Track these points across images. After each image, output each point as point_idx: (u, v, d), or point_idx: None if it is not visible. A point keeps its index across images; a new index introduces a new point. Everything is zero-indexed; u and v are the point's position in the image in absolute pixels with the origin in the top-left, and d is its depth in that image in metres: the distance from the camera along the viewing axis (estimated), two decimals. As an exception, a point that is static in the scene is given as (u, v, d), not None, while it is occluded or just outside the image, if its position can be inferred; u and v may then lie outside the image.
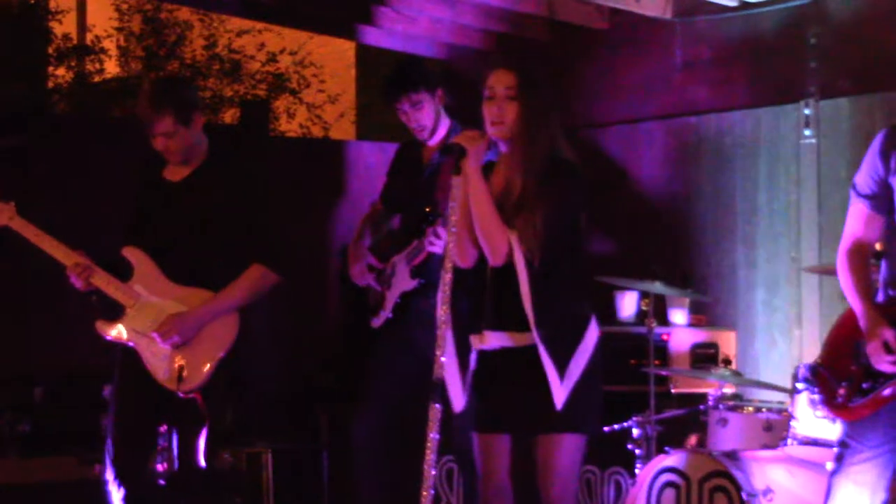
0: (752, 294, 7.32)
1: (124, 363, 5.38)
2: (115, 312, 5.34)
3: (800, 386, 5.79)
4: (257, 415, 5.74)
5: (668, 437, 6.37)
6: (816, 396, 5.44)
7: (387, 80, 6.18)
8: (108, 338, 5.35)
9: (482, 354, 4.67)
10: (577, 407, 4.55)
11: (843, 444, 4.39)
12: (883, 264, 4.46)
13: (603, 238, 7.70)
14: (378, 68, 12.80)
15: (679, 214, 7.66)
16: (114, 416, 5.38)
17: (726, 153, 7.48)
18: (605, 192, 7.29)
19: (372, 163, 8.73)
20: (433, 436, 4.23)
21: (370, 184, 8.14)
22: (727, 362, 6.37)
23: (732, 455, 5.73)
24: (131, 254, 5.36)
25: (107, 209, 5.94)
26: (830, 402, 4.45)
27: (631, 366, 6.81)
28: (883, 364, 4.25)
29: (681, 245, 7.58)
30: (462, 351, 4.65)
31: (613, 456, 6.59)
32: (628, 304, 7.29)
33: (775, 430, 5.98)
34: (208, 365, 5.24)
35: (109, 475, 5.32)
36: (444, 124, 6.11)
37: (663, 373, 6.70)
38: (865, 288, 4.41)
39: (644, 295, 6.77)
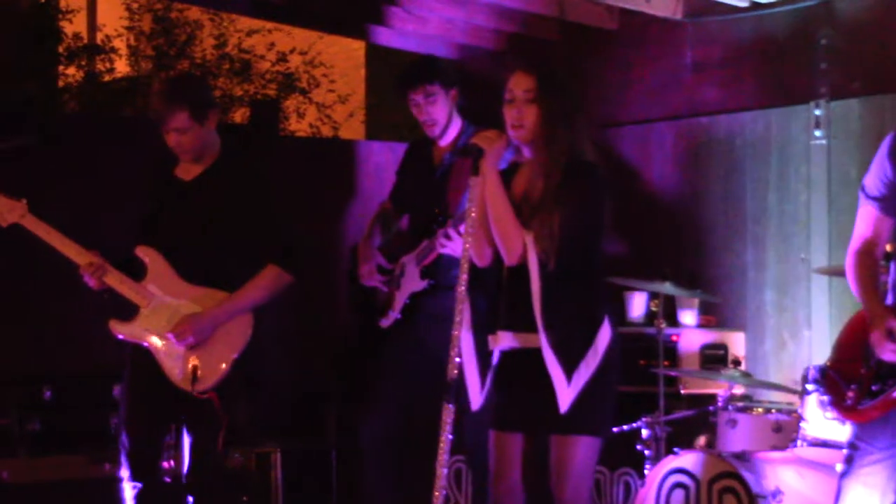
0: (762, 295, 7.31)
1: (135, 362, 5.38)
2: (128, 312, 5.35)
3: (809, 387, 5.79)
4: (267, 415, 5.73)
5: (678, 438, 6.37)
6: (825, 398, 5.43)
7: (403, 70, 6.19)
8: (121, 337, 5.35)
9: (500, 354, 4.69)
10: (591, 409, 4.57)
11: (852, 446, 4.39)
12: (892, 266, 4.46)
13: (613, 239, 7.69)
14: (388, 68, 12.81)
15: (689, 215, 7.65)
16: (126, 415, 5.39)
17: (736, 154, 7.47)
18: (614, 193, 7.27)
19: (382, 162, 8.74)
20: (446, 436, 4.23)
21: (380, 183, 8.15)
22: (737, 363, 6.36)
23: (742, 456, 5.72)
24: (145, 253, 5.36)
25: (117, 208, 5.95)
26: (840, 405, 4.44)
27: (640, 366, 6.81)
28: (887, 353, 4.25)
29: (690, 246, 7.57)
30: (482, 350, 4.66)
31: (623, 456, 6.58)
32: (638, 305, 7.29)
33: (785, 432, 5.97)
34: (223, 365, 5.24)
35: (124, 472, 5.33)
36: (456, 124, 6.12)
37: (673, 374, 6.70)
38: (873, 285, 4.41)
39: (653, 296, 6.77)
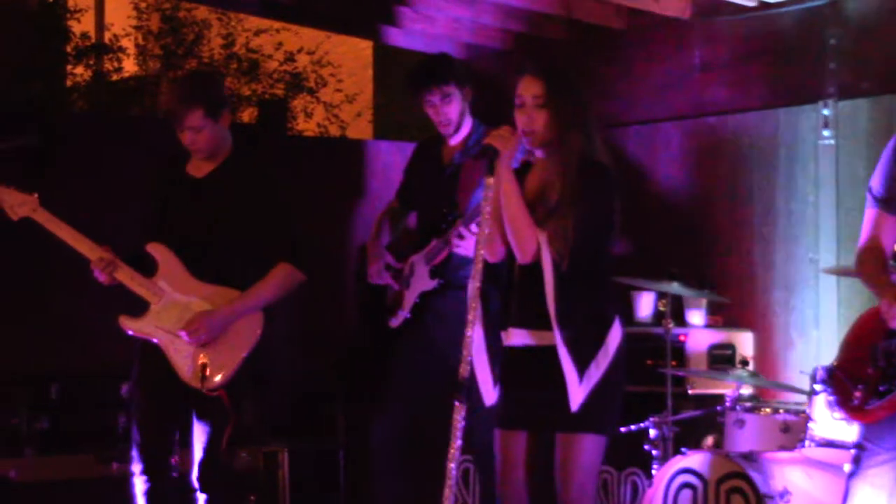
0: (770, 295, 7.31)
1: (145, 358, 5.38)
2: (138, 308, 5.35)
3: (817, 388, 5.78)
4: (274, 414, 5.75)
5: (685, 438, 6.36)
6: (832, 398, 5.42)
7: (418, 70, 6.17)
8: (131, 333, 5.35)
9: (508, 351, 4.70)
10: (597, 408, 4.58)
11: (859, 446, 4.38)
12: (901, 267, 4.45)
13: (621, 239, 7.67)
14: (395, 68, 12.81)
15: (697, 215, 7.64)
16: (137, 410, 5.39)
17: (744, 154, 7.47)
18: (622, 193, 7.27)
19: (389, 162, 8.74)
20: (457, 434, 4.24)
21: (387, 183, 8.15)
22: (744, 363, 6.35)
23: (750, 456, 5.71)
24: (156, 250, 5.37)
25: (124, 207, 5.95)
26: (847, 405, 4.43)
27: (648, 366, 6.80)
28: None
29: (698, 246, 7.56)
30: (492, 347, 4.67)
31: (630, 456, 6.59)
32: (645, 305, 7.29)
33: (793, 432, 5.97)
34: (233, 363, 5.25)
35: (136, 467, 5.33)
36: (468, 123, 6.11)
37: (680, 374, 6.69)
38: (883, 267, 4.39)
39: (661, 296, 6.76)
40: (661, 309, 6.67)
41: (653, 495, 5.91)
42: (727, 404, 6.21)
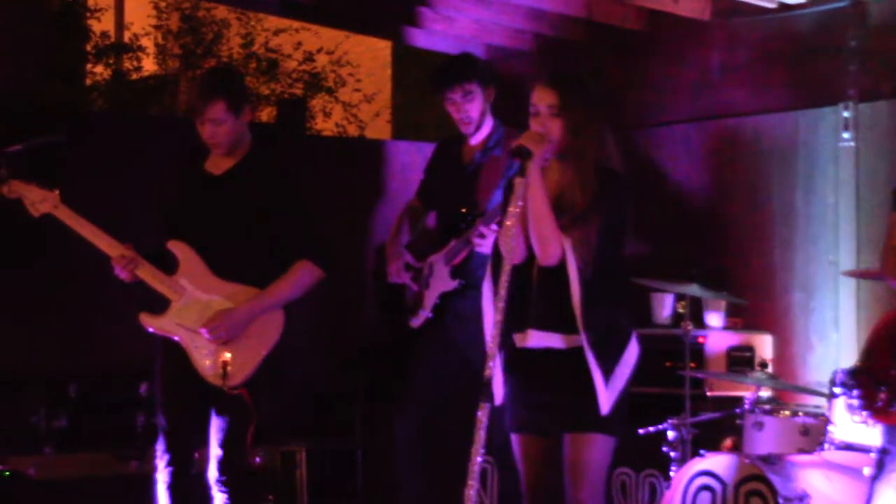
0: (789, 297, 7.29)
1: (166, 355, 5.39)
2: (158, 306, 5.36)
3: (837, 390, 5.76)
4: (293, 413, 5.75)
5: (704, 441, 6.34)
6: (855, 401, 5.40)
7: (442, 67, 6.19)
8: (152, 330, 5.36)
9: (520, 353, 4.69)
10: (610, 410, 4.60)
11: (883, 450, 4.38)
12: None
13: (639, 240, 7.68)
14: (414, 68, 12.82)
15: (716, 217, 7.63)
16: (161, 406, 5.40)
17: (764, 156, 7.45)
18: (641, 194, 7.26)
19: (408, 162, 8.74)
20: (481, 434, 4.26)
21: (406, 183, 8.15)
22: (764, 365, 6.34)
23: (769, 459, 5.70)
24: (176, 247, 5.37)
25: (145, 206, 5.96)
26: (870, 407, 4.43)
27: (666, 368, 6.79)
28: None
29: (717, 248, 7.55)
30: (505, 347, 4.68)
31: (648, 458, 6.58)
32: (664, 307, 7.28)
33: (812, 435, 5.95)
34: (254, 361, 5.25)
35: (161, 461, 5.34)
36: (488, 123, 6.12)
37: (699, 375, 6.68)
38: None
39: (680, 297, 6.75)
40: (680, 311, 6.66)
41: (671, 497, 5.90)
42: (746, 407, 6.19)
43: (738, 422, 6.22)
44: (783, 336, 7.26)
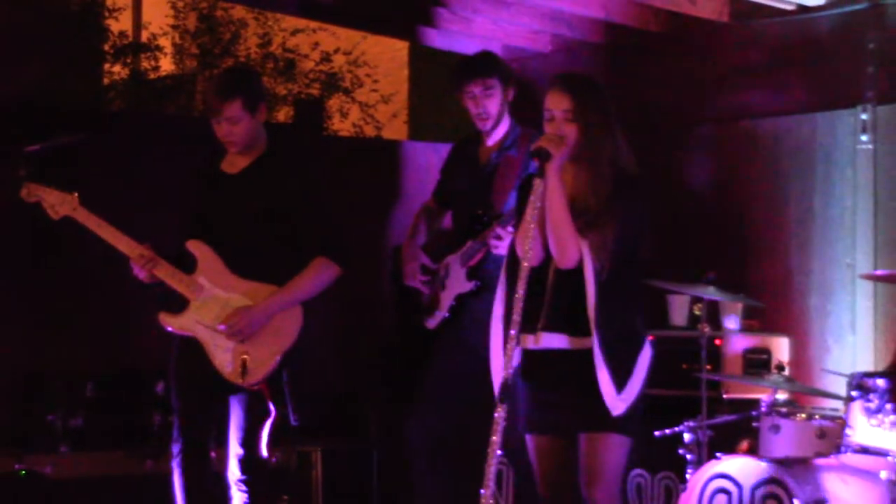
0: (806, 300, 7.27)
1: (182, 355, 5.40)
2: (177, 306, 5.37)
3: (854, 393, 5.74)
4: (309, 414, 5.74)
5: (720, 443, 6.33)
6: (874, 404, 5.40)
7: (463, 62, 6.19)
8: (170, 329, 5.38)
9: (533, 354, 4.69)
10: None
11: None
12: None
13: (656, 242, 7.66)
14: (431, 68, 12.82)
15: (733, 219, 7.61)
16: (177, 397, 5.41)
17: (782, 158, 7.43)
18: (658, 196, 7.25)
19: (425, 163, 8.74)
20: (498, 434, 4.26)
21: (423, 184, 8.14)
22: (780, 368, 6.32)
23: (785, 462, 5.69)
24: (195, 247, 5.39)
25: (162, 206, 5.97)
26: None
27: (683, 370, 6.78)
28: None
29: (734, 250, 7.53)
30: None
31: (664, 460, 6.57)
32: (681, 309, 7.26)
33: (829, 438, 5.92)
34: (272, 358, 5.26)
35: (176, 459, 5.35)
36: (506, 123, 6.11)
37: (716, 378, 6.66)
38: None
39: (697, 299, 6.74)
40: (697, 313, 6.65)
41: (687, 500, 5.89)
42: (763, 409, 6.17)
43: (754, 424, 6.20)
44: (800, 338, 7.24)
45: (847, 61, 7.16)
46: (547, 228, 4.60)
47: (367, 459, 7.52)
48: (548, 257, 4.66)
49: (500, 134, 6.11)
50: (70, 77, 11.72)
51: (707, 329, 6.49)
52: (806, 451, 5.92)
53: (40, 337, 7.36)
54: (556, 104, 4.66)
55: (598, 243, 4.57)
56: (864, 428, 5.71)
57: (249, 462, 5.30)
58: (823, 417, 6.11)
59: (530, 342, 4.71)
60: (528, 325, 4.67)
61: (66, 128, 6.09)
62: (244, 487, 5.30)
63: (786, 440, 6.03)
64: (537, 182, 4.51)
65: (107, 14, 13.25)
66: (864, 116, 7.05)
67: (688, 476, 6.20)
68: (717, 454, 5.98)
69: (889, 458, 5.48)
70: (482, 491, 4.31)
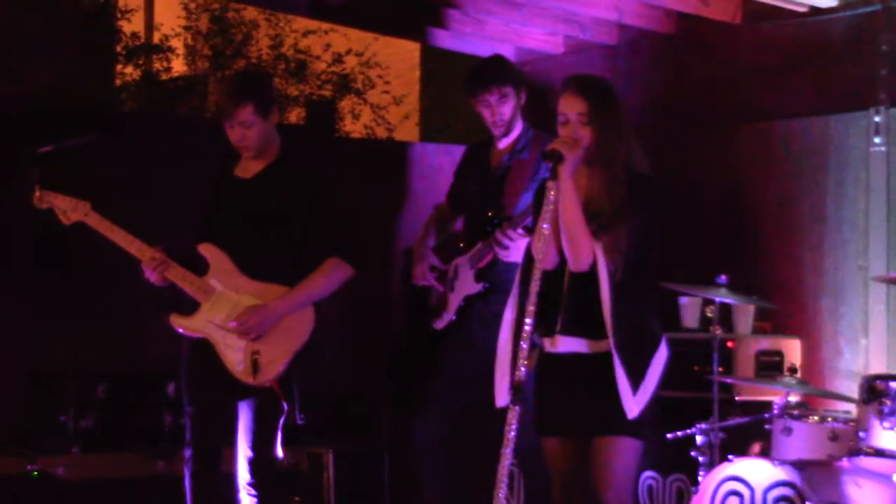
0: (818, 302, 7.25)
1: (192, 356, 5.41)
2: (188, 308, 5.37)
3: (867, 396, 5.73)
4: (320, 415, 5.75)
5: (732, 445, 6.33)
6: (887, 406, 5.39)
7: (478, 69, 6.19)
8: (181, 331, 5.38)
9: (549, 357, 4.69)
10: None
11: None
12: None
13: (668, 244, 7.66)
14: (443, 70, 12.82)
15: (745, 221, 7.59)
16: (188, 399, 5.41)
17: (794, 160, 7.41)
18: (670, 198, 7.24)
19: (436, 164, 8.73)
20: (510, 437, 4.27)
21: (434, 186, 8.15)
22: (793, 370, 6.31)
23: (798, 465, 5.68)
24: (207, 250, 5.40)
25: (174, 207, 5.98)
26: None
27: (695, 372, 6.77)
28: None
29: (747, 252, 7.51)
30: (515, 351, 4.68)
31: (676, 463, 6.57)
32: (692, 311, 7.25)
33: (842, 440, 5.92)
34: (284, 358, 5.27)
35: (188, 462, 5.35)
36: (518, 126, 6.12)
37: (728, 380, 6.65)
38: None
39: (708, 301, 6.73)
40: (709, 315, 6.63)
41: (699, 502, 5.89)
42: (775, 412, 6.16)
43: (766, 427, 6.19)
44: (812, 341, 7.22)
45: (860, 63, 7.15)
46: (561, 231, 4.60)
47: (378, 461, 7.52)
48: (563, 261, 4.66)
49: (513, 137, 6.11)
50: (82, 78, 11.74)
51: (719, 331, 6.49)
52: (818, 454, 5.91)
53: (52, 338, 7.37)
54: (571, 107, 4.66)
55: (612, 245, 4.57)
56: (877, 430, 5.70)
57: (259, 465, 5.30)
58: (836, 420, 6.11)
59: (547, 345, 4.71)
60: (545, 329, 4.69)
61: (78, 129, 6.10)
62: (253, 491, 5.30)
63: (798, 443, 6.03)
64: (550, 184, 4.51)
65: (119, 15, 13.28)
66: (876, 119, 7.03)
67: (700, 478, 6.19)
68: (730, 456, 5.97)
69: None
70: (500, 494, 4.31)
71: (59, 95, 10.87)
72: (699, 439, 6.32)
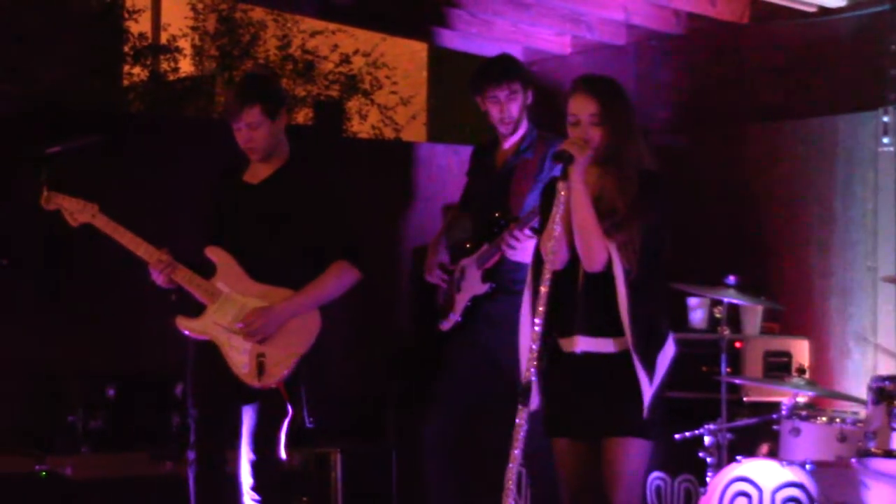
0: (827, 303, 7.24)
1: (198, 358, 5.41)
2: (194, 311, 5.37)
3: (875, 397, 5.71)
4: (327, 415, 5.75)
5: (740, 446, 6.32)
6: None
7: (488, 66, 6.19)
8: (187, 333, 5.38)
9: (564, 358, 4.70)
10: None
11: None
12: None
13: (676, 244, 7.64)
14: (450, 70, 12.82)
15: (753, 221, 7.59)
16: (194, 401, 5.41)
17: (802, 160, 7.41)
18: (678, 197, 7.23)
19: (444, 165, 8.74)
20: (519, 438, 4.27)
21: (442, 186, 8.15)
22: (801, 371, 6.30)
23: (806, 465, 5.67)
24: (214, 253, 5.40)
25: (181, 208, 5.98)
26: None
27: (703, 373, 6.76)
28: None
29: (755, 252, 7.51)
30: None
31: (684, 463, 6.56)
32: (700, 311, 7.24)
33: (850, 441, 5.90)
34: (289, 361, 5.26)
35: (192, 463, 5.35)
36: (524, 126, 6.11)
37: (736, 381, 6.64)
38: None
39: (716, 302, 6.72)
40: (717, 315, 6.62)
41: (707, 503, 5.88)
42: (783, 412, 6.16)
43: (774, 427, 6.19)
44: (820, 341, 7.22)
45: (868, 63, 7.14)
46: (574, 232, 4.60)
47: (385, 461, 7.52)
48: (575, 260, 4.65)
49: (518, 137, 6.11)
50: (89, 79, 11.76)
51: (727, 332, 6.48)
52: (827, 455, 5.90)
53: (61, 339, 7.38)
54: (582, 108, 4.65)
55: (626, 243, 4.57)
56: (885, 432, 5.68)
57: (262, 468, 5.29)
58: (844, 421, 6.09)
59: (564, 346, 4.71)
60: (562, 329, 4.69)
61: (86, 129, 6.11)
62: (256, 495, 5.30)
63: (806, 443, 6.02)
64: (561, 185, 4.51)
65: (126, 16, 13.28)
66: (885, 119, 7.02)
67: (708, 479, 6.19)
68: (738, 457, 5.97)
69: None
70: (509, 498, 4.31)
71: (67, 96, 10.88)
72: (707, 440, 6.31)
